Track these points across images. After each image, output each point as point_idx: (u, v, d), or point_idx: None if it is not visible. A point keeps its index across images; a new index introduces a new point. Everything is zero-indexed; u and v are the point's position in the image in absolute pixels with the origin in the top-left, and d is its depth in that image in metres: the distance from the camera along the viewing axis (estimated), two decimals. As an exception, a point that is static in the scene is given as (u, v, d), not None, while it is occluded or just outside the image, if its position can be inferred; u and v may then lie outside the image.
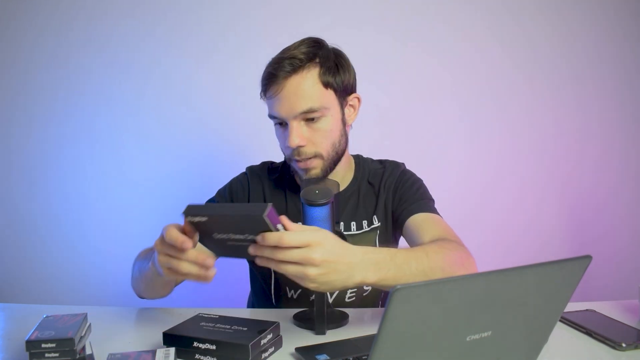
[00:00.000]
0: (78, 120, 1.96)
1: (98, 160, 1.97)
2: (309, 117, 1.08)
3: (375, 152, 1.33)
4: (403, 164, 1.28)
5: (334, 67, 1.11)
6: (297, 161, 1.12)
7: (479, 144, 2.05)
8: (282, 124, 1.12)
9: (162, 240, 0.85)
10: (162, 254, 0.86)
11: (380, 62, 1.96)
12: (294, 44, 1.11)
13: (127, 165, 1.97)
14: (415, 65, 2.00)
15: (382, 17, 1.97)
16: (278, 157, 1.29)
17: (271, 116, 1.13)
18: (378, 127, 1.93)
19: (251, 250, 0.81)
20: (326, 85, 1.09)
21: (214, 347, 0.84)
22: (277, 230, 0.80)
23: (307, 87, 1.07)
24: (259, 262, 0.82)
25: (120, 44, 1.93)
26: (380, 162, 1.29)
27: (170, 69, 1.94)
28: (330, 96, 1.10)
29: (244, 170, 1.29)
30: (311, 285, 0.81)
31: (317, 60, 1.09)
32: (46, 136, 1.96)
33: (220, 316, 0.95)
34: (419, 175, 1.27)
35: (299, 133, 1.08)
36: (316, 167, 1.12)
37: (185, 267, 0.84)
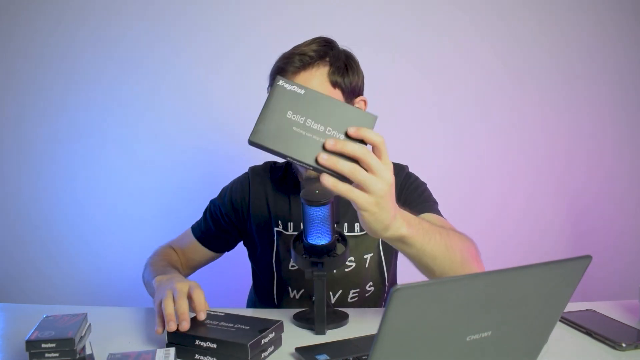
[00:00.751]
0: (80, 121, 1.96)
1: (99, 160, 1.97)
2: None
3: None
4: (407, 166, 1.28)
5: (343, 67, 1.10)
6: None
7: (471, 144, 2.05)
8: None
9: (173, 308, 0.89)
10: (160, 318, 0.90)
11: (373, 62, 1.95)
12: (306, 41, 1.12)
13: (127, 165, 1.97)
14: (406, 64, 2.00)
15: (377, 19, 1.98)
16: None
17: None
18: (383, 129, 1.93)
19: (325, 150, 0.72)
20: (334, 84, 1.09)
21: (214, 345, 0.84)
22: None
23: (314, 84, 1.07)
24: (321, 160, 0.72)
25: (132, 44, 1.92)
26: None
27: (181, 71, 1.94)
28: (337, 96, 1.10)
29: (247, 170, 1.29)
30: (364, 214, 0.75)
31: (327, 59, 1.09)
32: (48, 136, 1.96)
33: (225, 314, 0.95)
34: (426, 175, 1.28)
35: None
36: None
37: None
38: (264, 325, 0.89)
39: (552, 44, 2.04)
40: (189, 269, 1.28)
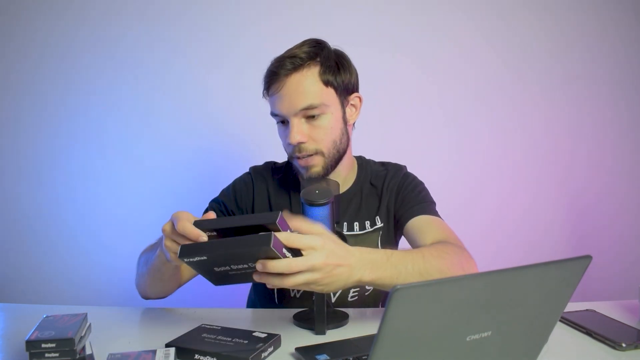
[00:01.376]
0: (79, 121, 1.96)
1: (98, 161, 1.97)
2: (309, 114, 1.10)
3: (370, 153, 1.34)
4: (405, 166, 1.29)
5: (334, 66, 1.13)
6: (298, 158, 1.12)
7: (473, 143, 2.05)
8: (283, 122, 1.14)
9: (172, 227, 0.87)
10: (169, 240, 0.88)
11: (374, 63, 1.96)
12: (297, 44, 1.14)
13: (127, 166, 1.97)
14: (407, 64, 2.00)
15: (378, 19, 1.98)
16: (282, 158, 1.29)
17: (273, 114, 1.14)
18: (373, 128, 1.93)
19: (256, 277, 0.83)
20: (326, 83, 1.11)
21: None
22: (284, 256, 0.79)
23: (307, 84, 1.09)
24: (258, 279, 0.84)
25: (131, 45, 1.92)
26: (383, 164, 1.29)
27: (180, 71, 1.94)
28: (330, 94, 1.12)
29: (247, 170, 1.29)
30: (316, 289, 0.84)
31: (318, 59, 1.11)
32: (47, 137, 1.96)
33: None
34: (425, 175, 1.28)
35: (299, 129, 1.10)
36: (317, 164, 1.13)
37: None
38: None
39: (553, 43, 2.04)
40: (191, 273, 1.18)
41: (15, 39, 1.92)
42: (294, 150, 1.12)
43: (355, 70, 1.18)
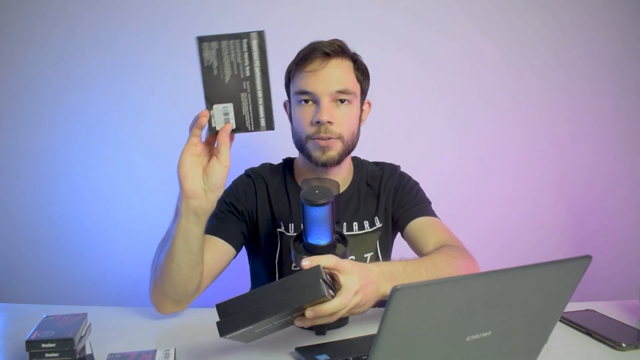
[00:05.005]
0: (78, 120, 1.96)
1: (98, 160, 1.97)
2: (340, 98, 1.13)
3: (368, 152, 1.34)
4: (399, 166, 1.30)
5: (364, 69, 1.20)
6: (319, 139, 1.12)
7: (473, 143, 2.05)
8: (307, 101, 1.13)
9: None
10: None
11: (374, 60, 1.95)
12: (329, 39, 1.17)
13: (128, 165, 1.97)
14: (407, 62, 1.99)
15: (377, 18, 1.98)
16: (277, 159, 1.29)
17: (300, 92, 1.13)
18: (373, 127, 1.93)
19: (303, 323, 0.82)
20: (357, 79, 1.17)
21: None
22: (331, 296, 0.78)
23: (345, 70, 1.14)
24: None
25: (129, 44, 1.92)
26: (377, 164, 1.31)
27: (179, 71, 1.94)
28: (358, 89, 1.17)
29: (244, 172, 1.28)
30: (356, 312, 0.88)
31: (352, 57, 1.18)
32: (46, 136, 1.96)
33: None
34: (415, 174, 1.31)
35: (330, 110, 1.11)
36: (335, 148, 1.14)
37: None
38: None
39: (554, 42, 2.04)
40: (209, 281, 1.12)
41: (12, 36, 1.91)
42: (319, 129, 1.11)
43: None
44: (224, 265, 1.15)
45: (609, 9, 2.05)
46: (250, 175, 1.26)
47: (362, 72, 1.18)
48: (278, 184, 1.24)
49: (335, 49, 1.13)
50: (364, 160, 1.31)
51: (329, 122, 1.11)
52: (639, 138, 2.11)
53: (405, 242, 1.24)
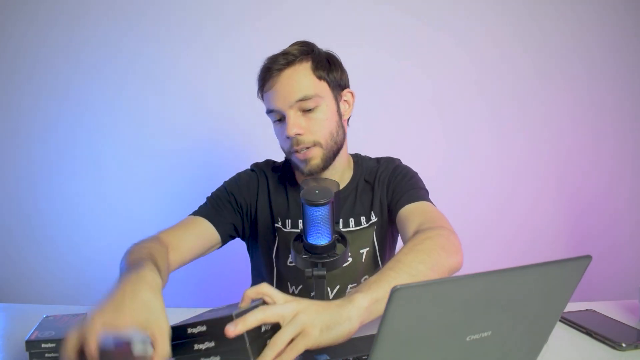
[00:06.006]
0: (79, 121, 1.96)
1: (99, 161, 1.97)
2: (304, 107, 1.11)
3: (377, 150, 1.34)
4: (399, 159, 1.29)
5: (325, 63, 1.16)
6: (297, 152, 1.13)
7: (473, 142, 2.05)
8: (280, 120, 1.14)
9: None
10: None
11: (372, 58, 1.96)
12: (289, 46, 1.17)
13: (127, 166, 1.97)
14: (406, 61, 2.00)
15: (384, 18, 1.98)
16: (279, 157, 1.29)
17: (269, 111, 1.15)
18: (372, 127, 1.93)
19: None
20: (319, 77, 1.14)
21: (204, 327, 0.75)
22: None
23: (300, 77, 1.12)
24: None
25: (133, 44, 1.93)
26: (378, 160, 1.30)
27: (177, 71, 1.95)
28: (323, 87, 1.14)
29: (249, 167, 1.30)
30: (322, 339, 0.74)
31: (310, 56, 1.14)
32: (47, 136, 1.96)
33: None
34: (424, 173, 1.27)
35: (296, 122, 1.11)
36: (316, 156, 1.13)
37: None
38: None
39: (554, 41, 2.04)
40: (180, 260, 1.12)
41: (16, 35, 1.91)
42: (292, 143, 1.12)
43: (345, 70, 1.21)
44: (205, 250, 1.18)
45: (609, 7, 2.05)
46: (255, 169, 1.28)
47: (324, 67, 1.14)
48: (278, 180, 1.25)
49: (287, 60, 1.11)
50: (364, 157, 1.31)
51: (298, 134, 1.11)
52: (638, 139, 2.11)
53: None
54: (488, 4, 2.01)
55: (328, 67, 1.15)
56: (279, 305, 0.73)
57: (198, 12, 1.94)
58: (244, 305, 0.76)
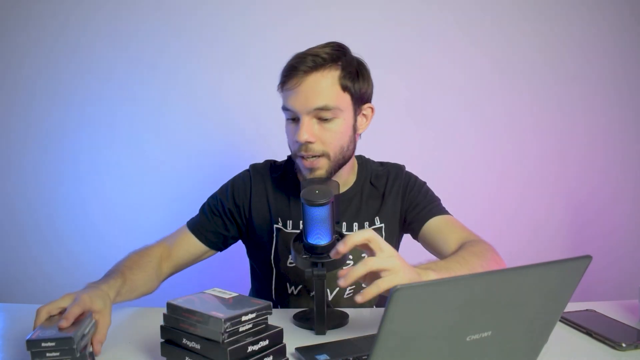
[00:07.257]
0: (86, 119, 1.96)
1: (102, 160, 1.97)
2: (321, 116, 1.08)
3: (379, 153, 1.34)
4: (404, 166, 1.28)
5: (354, 73, 1.12)
6: (303, 158, 1.11)
7: (479, 145, 2.05)
8: (294, 119, 1.12)
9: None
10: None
11: (384, 62, 1.96)
12: (320, 44, 1.12)
13: (132, 165, 1.97)
14: (420, 64, 2.00)
15: (385, 18, 1.98)
16: (283, 157, 1.29)
17: (284, 109, 1.12)
18: (382, 129, 1.93)
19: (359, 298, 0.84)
20: (344, 88, 1.10)
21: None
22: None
23: (325, 85, 1.08)
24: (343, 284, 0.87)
25: (143, 42, 1.92)
26: (382, 164, 1.30)
27: (192, 70, 1.94)
28: (346, 100, 1.11)
29: (247, 167, 1.29)
30: (393, 268, 0.85)
31: (340, 63, 1.10)
32: (53, 135, 1.96)
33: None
34: (422, 176, 1.29)
35: (309, 129, 1.08)
36: (322, 167, 1.12)
37: None
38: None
39: (544, 41, 2.04)
40: (173, 267, 1.21)
41: (27, 31, 1.91)
42: (300, 148, 1.10)
43: (372, 82, 1.17)
44: (196, 259, 1.25)
45: (600, 10, 2.05)
46: (250, 171, 1.27)
47: (352, 78, 1.10)
48: (278, 181, 1.24)
49: (316, 63, 1.07)
50: (368, 159, 1.30)
51: (309, 142, 1.08)
52: (636, 138, 2.11)
53: (412, 245, 1.24)
54: (479, 7, 2.01)
55: (356, 77, 1.11)
56: (383, 258, 0.86)
57: (216, 14, 1.93)
58: (344, 249, 0.89)
